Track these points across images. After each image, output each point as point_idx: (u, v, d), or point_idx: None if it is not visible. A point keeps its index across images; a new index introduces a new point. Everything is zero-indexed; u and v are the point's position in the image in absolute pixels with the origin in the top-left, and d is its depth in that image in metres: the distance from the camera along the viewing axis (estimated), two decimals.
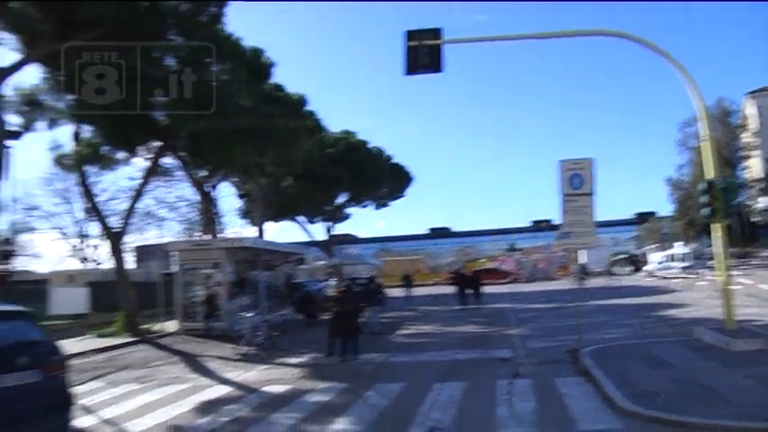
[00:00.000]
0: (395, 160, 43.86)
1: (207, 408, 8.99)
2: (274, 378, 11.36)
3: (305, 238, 45.43)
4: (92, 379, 12.26)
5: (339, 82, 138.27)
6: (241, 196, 40.24)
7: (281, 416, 8.20)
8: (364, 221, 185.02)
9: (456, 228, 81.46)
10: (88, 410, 8.91)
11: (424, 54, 12.62)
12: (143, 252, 44.88)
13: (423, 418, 7.51)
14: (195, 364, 14.12)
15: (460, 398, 8.56)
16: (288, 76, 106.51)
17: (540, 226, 74.18)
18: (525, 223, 79.41)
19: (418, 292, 34.73)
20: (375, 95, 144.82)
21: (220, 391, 10.44)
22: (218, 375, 12.13)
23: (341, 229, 49.60)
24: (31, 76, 40.49)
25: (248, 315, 16.36)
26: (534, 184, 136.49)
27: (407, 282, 33.39)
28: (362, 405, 8.58)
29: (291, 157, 25.61)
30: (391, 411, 8.13)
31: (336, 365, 12.40)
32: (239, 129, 20.17)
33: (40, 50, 16.90)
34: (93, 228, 41.76)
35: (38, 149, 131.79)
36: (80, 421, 6.99)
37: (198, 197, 32.46)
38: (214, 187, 31.42)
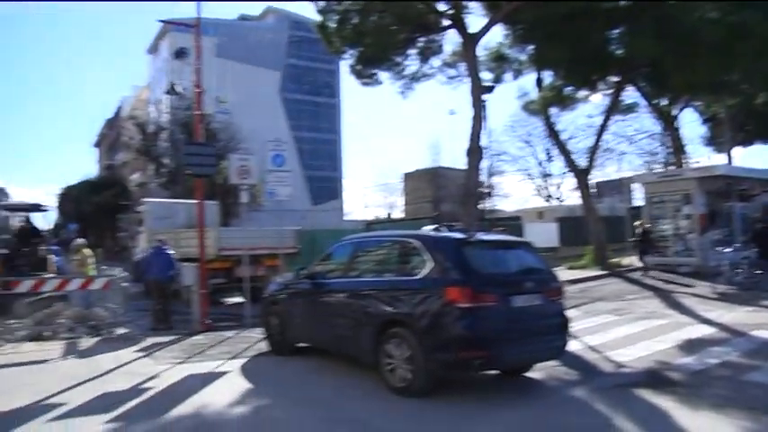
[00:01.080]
0: None
1: (689, 346, 8.79)
2: (763, 322, 10.34)
3: None
4: (570, 308, 13.13)
5: None
6: (705, 121, 36.84)
7: None
8: None
9: None
10: (572, 336, 9.64)
11: None
12: (603, 187, 45.64)
13: None
14: (669, 299, 13.90)
15: None
16: None
17: None
18: None
19: None
20: None
21: (701, 330, 10.07)
22: (696, 314, 11.69)
23: None
24: (496, 35, 44.80)
25: (726, 251, 15.18)
26: None
27: None
28: None
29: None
30: None
31: None
32: (704, 44, 18.31)
33: (500, 12, 18.69)
34: (555, 167, 44.59)
35: (503, 100, 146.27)
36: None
37: (658, 128, 31.05)
38: (676, 116, 29.56)
